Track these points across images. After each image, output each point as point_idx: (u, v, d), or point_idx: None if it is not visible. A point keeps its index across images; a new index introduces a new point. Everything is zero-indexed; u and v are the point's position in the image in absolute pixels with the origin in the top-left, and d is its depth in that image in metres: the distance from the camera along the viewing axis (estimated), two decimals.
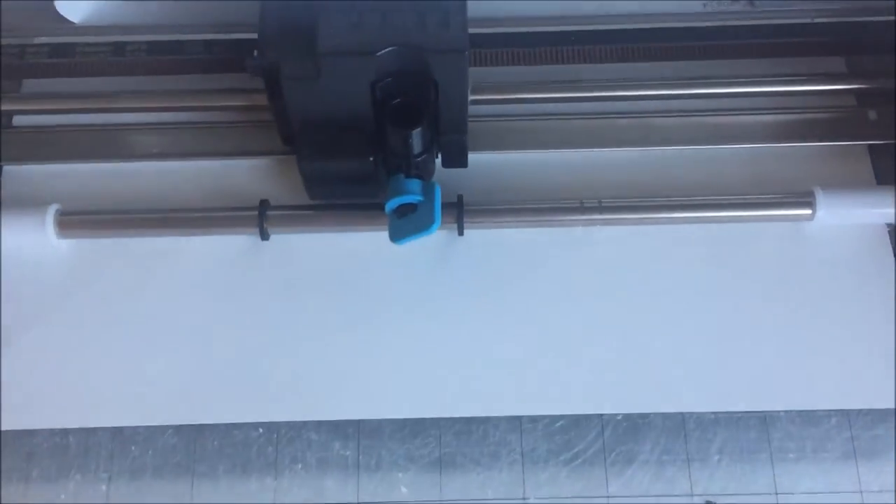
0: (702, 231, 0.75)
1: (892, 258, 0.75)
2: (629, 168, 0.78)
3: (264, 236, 0.74)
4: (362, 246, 0.74)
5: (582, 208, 0.74)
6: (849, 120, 0.80)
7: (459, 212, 0.74)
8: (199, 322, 0.72)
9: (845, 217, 0.75)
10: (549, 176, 0.78)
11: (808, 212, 0.74)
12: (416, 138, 0.67)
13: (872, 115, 0.80)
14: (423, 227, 0.68)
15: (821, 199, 0.74)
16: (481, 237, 0.75)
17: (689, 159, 0.79)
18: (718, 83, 0.80)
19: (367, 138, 0.69)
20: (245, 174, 0.78)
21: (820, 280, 0.74)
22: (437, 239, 0.74)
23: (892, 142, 0.78)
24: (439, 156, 0.74)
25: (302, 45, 0.64)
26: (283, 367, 0.70)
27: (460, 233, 0.74)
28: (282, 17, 0.65)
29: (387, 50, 0.63)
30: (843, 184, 0.76)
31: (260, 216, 0.73)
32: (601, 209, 0.74)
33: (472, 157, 0.76)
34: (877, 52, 0.81)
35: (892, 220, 0.75)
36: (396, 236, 0.69)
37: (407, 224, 0.69)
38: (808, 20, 0.81)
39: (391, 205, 0.69)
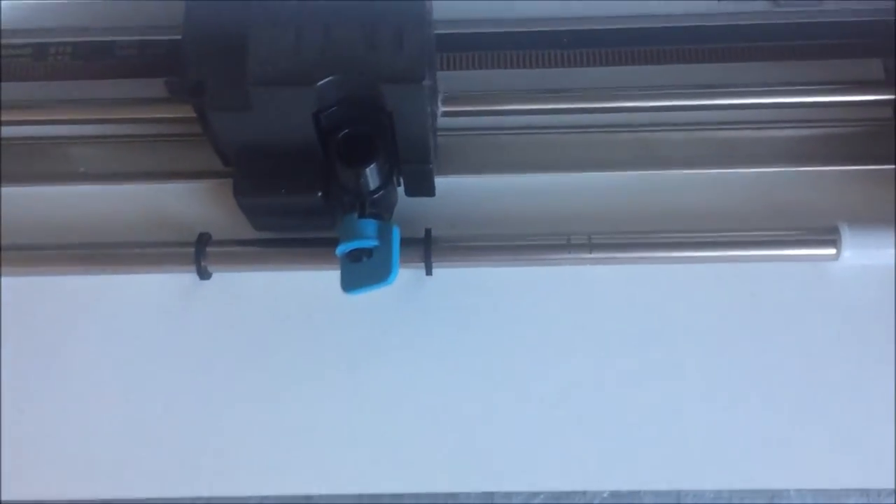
0: (707, 272, 0.65)
1: None
2: (626, 194, 0.68)
3: (203, 275, 0.64)
4: (317, 286, 0.65)
5: (569, 245, 0.64)
6: (884, 136, 0.68)
7: (427, 249, 0.64)
8: (124, 379, 0.63)
9: (876, 257, 0.65)
10: (532, 204, 0.67)
11: (832, 251, 0.64)
12: (370, 175, 0.57)
13: None
14: (378, 277, 0.59)
15: (847, 236, 0.63)
16: (452, 277, 0.66)
17: (696, 184, 0.68)
18: (731, 92, 0.69)
19: (314, 169, 0.59)
20: (185, 198, 0.68)
21: (844, 331, 0.64)
22: (402, 280, 0.65)
23: None
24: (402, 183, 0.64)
25: (229, 71, 0.53)
26: (222, 434, 0.62)
27: (428, 272, 0.64)
28: (207, 32, 0.55)
29: (328, 79, 0.52)
30: (874, 216, 0.66)
31: (197, 253, 0.63)
32: (591, 247, 0.64)
33: (442, 181, 0.66)
34: None
35: None
36: (349, 286, 0.59)
37: (361, 271, 0.60)
38: (839, 18, 0.69)
39: (342, 250, 0.59)
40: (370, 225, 0.59)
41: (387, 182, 0.59)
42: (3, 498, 0.61)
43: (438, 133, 0.67)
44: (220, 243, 0.65)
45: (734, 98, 0.69)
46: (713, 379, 0.63)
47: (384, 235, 0.60)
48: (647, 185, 0.68)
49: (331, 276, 0.61)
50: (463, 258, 0.65)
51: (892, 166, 0.68)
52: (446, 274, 0.65)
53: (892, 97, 0.69)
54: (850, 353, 0.63)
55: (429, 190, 0.65)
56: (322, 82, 0.52)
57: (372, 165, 0.56)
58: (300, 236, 0.65)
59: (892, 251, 0.64)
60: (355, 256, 0.60)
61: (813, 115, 0.70)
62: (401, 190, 0.65)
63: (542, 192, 0.68)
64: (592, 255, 0.64)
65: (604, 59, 0.70)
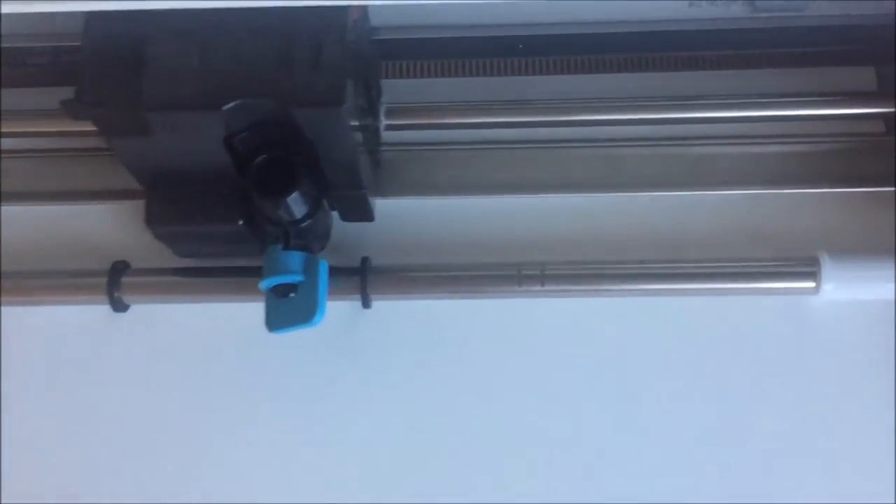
0: (676, 305, 0.59)
1: None
2: (586, 218, 0.62)
3: (118, 307, 0.58)
4: (245, 318, 0.59)
5: (520, 277, 0.58)
6: (874, 153, 0.62)
7: (363, 280, 0.58)
8: (31, 421, 0.57)
9: (859, 291, 0.58)
10: (484, 228, 0.62)
11: (811, 284, 0.58)
12: (293, 204, 0.51)
13: None
14: (302, 317, 0.53)
15: (827, 267, 0.57)
16: (392, 310, 0.60)
17: (664, 207, 0.62)
18: (704, 104, 0.62)
19: (234, 196, 0.53)
20: (103, 221, 0.62)
21: (826, 370, 0.58)
22: (338, 313, 0.59)
23: None
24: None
25: (127, 91, 0.47)
26: (136, 476, 0.56)
27: (365, 305, 0.58)
28: (106, 47, 0.49)
29: (234, 104, 0.46)
30: (860, 244, 0.59)
31: (110, 284, 0.58)
32: (543, 278, 0.58)
33: (385, 204, 0.60)
34: None
35: None
36: (274, 324, 0.54)
37: (287, 308, 0.54)
38: (825, 23, 0.62)
39: (265, 285, 0.53)
40: (294, 258, 0.53)
41: (314, 210, 0.53)
42: None
43: (383, 148, 0.61)
44: (138, 272, 0.59)
45: (708, 111, 0.62)
46: (683, 424, 0.57)
47: (310, 270, 0.54)
48: (609, 209, 0.62)
49: (259, 308, 0.55)
50: (403, 290, 0.59)
51: (889, 188, 0.61)
52: (386, 307, 0.59)
53: (886, 110, 0.63)
54: (832, 396, 0.57)
55: (366, 215, 0.59)
56: (228, 107, 0.46)
57: (294, 194, 0.50)
58: (226, 265, 0.59)
59: (884, 284, 0.58)
60: (281, 291, 0.54)
61: (796, 129, 0.63)
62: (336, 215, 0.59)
63: (495, 216, 0.62)
64: (545, 288, 0.58)
65: (564, 67, 0.63)
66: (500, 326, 0.60)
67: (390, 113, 0.61)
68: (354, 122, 0.51)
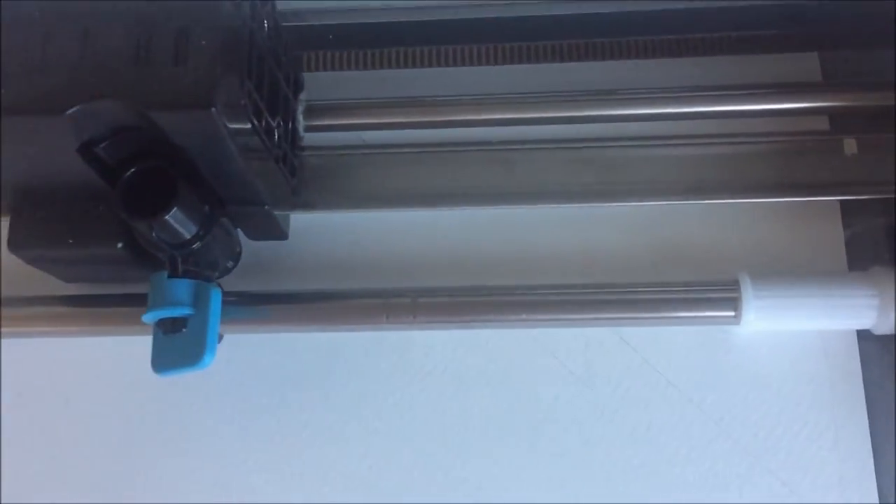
0: (581, 336, 0.51)
1: (861, 379, 0.50)
2: (477, 232, 0.54)
3: None
4: (131, 353, 0.52)
5: (386, 306, 0.50)
6: (816, 155, 0.52)
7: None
8: None
9: (789, 321, 0.49)
10: (418, 244, 0.54)
11: (731, 313, 0.49)
12: (175, 225, 0.44)
13: (851, 146, 0.52)
14: (189, 358, 0.46)
15: (750, 294, 0.48)
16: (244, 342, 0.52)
17: (567, 220, 0.53)
18: (616, 99, 0.53)
19: (111, 214, 0.46)
20: None
21: (752, 411, 0.50)
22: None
23: (878, 196, 0.51)
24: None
25: None
26: None
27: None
28: None
29: (77, 108, 0.39)
30: (798, 265, 0.51)
31: None
32: (415, 308, 0.50)
33: (303, 219, 0.54)
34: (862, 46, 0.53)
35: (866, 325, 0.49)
36: (159, 365, 0.46)
37: (175, 346, 0.46)
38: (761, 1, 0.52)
39: (149, 318, 0.46)
40: (181, 287, 0.46)
41: (206, 230, 0.46)
42: None
43: (306, 153, 0.53)
44: (9, 302, 0.51)
45: (618, 107, 0.54)
46: (580, 476, 0.49)
47: (201, 301, 0.46)
48: (503, 223, 0.53)
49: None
50: (252, 324, 0.51)
51: (821, 198, 0.52)
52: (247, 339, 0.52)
53: (832, 104, 0.53)
54: (760, 444, 0.49)
55: (276, 233, 0.52)
56: (71, 111, 0.39)
57: (172, 213, 0.43)
58: (115, 293, 0.52)
59: (808, 315, 0.49)
60: (169, 326, 0.46)
61: (723, 128, 0.54)
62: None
63: (427, 229, 0.54)
64: (416, 321, 0.50)
65: (449, 58, 0.54)
66: (379, 362, 0.52)
67: (310, 112, 0.53)
68: (240, 125, 0.43)
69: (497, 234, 0.53)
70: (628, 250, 0.53)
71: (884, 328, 0.48)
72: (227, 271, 0.52)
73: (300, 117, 0.52)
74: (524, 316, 0.50)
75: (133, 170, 0.43)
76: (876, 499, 0.48)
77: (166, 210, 0.43)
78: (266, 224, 0.51)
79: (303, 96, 0.53)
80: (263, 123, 0.45)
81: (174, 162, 0.44)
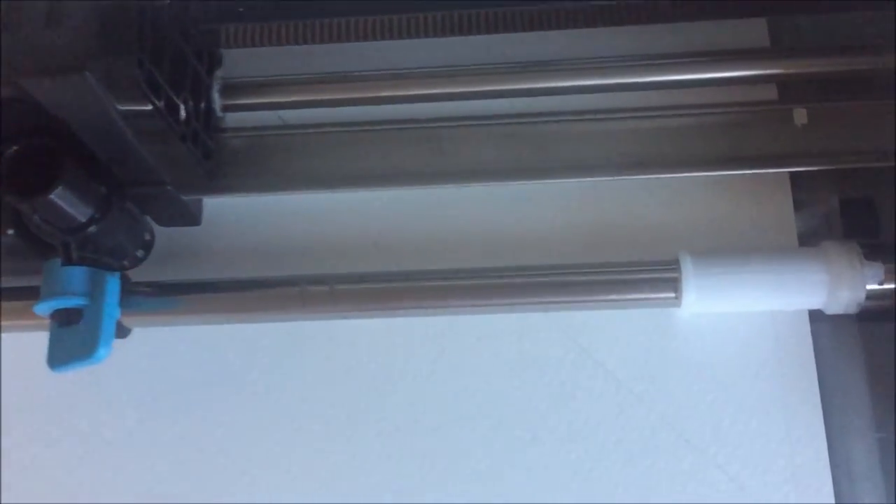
0: (507, 325, 0.48)
1: (814, 365, 0.46)
2: (406, 212, 0.50)
3: None
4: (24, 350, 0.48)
5: (303, 294, 0.46)
6: (764, 126, 0.49)
7: None
8: None
9: (731, 301, 0.46)
10: (338, 228, 0.51)
11: (671, 295, 0.45)
12: (62, 206, 0.41)
13: (801, 116, 0.48)
14: (82, 351, 0.43)
15: (690, 273, 0.45)
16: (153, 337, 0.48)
17: (500, 199, 0.50)
18: (549, 70, 0.50)
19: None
20: None
21: (697, 402, 0.47)
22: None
23: (830, 167, 0.48)
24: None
25: None
26: None
27: (120, 335, 0.47)
28: None
29: None
30: (742, 241, 0.47)
31: None
32: (334, 296, 0.46)
33: (218, 204, 0.50)
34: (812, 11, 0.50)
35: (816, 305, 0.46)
36: (55, 359, 0.43)
37: (70, 340, 0.43)
38: None
39: (41, 309, 0.43)
40: (75, 276, 0.43)
41: (102, 212, 0.43)
42: None
43: (231, 133, 0.50)
44: None
45: (555, 79, 0.50)
46: (515, 472, 0.46)
47: (97, 290, 0.43)
48: (432, 202, 0.50)
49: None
50: (161, 315, 0.48)
51: (770, 170, 0.48)
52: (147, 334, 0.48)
53: (780, 71, 0.50)
54: (705, 432, 0.45)
55: (186, 217, 0.49)
56: None
57: (57, 191, 0.40)
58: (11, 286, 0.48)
59: (753, 296, 0.45)
60: (64, 318, 0.43)
61: (665, 100, 0.50)
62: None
63: (347, 213, 0.51)
64: (332, 309, 0.46)
65: (376, 31, 0.51)
66: (294, 352, 0.48)
67: (228, 91, 0.49)
68: (132, 100, 0.39)
69: (424, 216, 0.50)
70: (563, 230, 0.49)
71: (836, 307, 0.45)
72: (138, 261, 0.48)
73: (215, 95, 0.49)
74: (451, 302, 0.47)
75: (15, 147, 0.40)
76: (831, 497, 0.44)
77: (49, 189, 0.40)
78: (174, 208, 0.48)
79: (220, 73, 0.50)
80: (163, 100, 0.42)
81: (64, 140, 0.40)
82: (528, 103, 0.51)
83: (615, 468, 0.46)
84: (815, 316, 0.47)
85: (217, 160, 0.49)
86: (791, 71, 0.50)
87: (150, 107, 0.40)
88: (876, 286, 0.45)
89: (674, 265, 0.45)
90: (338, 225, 0.50)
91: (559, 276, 0.46)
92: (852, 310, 0.45)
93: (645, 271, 0.46)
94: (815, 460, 0.45)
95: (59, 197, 0.40)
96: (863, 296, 0.45)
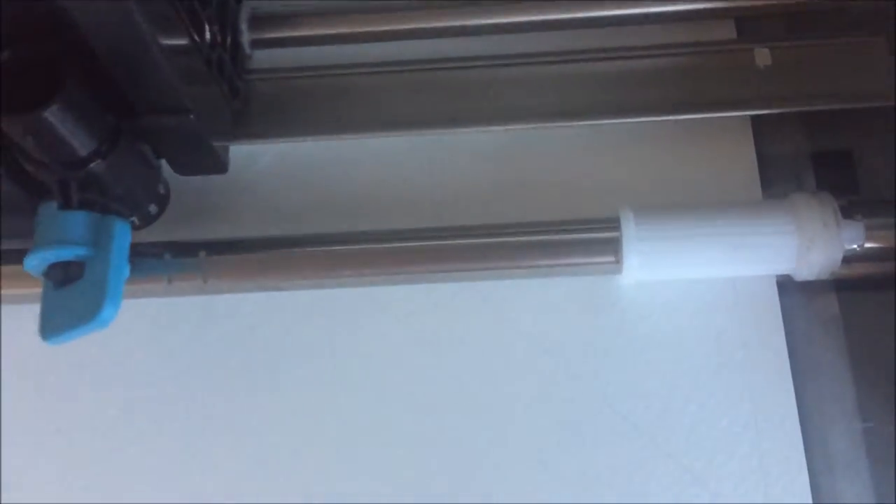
0: (423, 297, 0.41)
1: (784, 340, 0.39)
2: (306, 169, 0.43)
3: None
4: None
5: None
6: (721, 68, 0.42)
7: None
8: None
9: (681, 266, 0.38)
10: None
11: (610, 259, 0.38)
12: (57, 130, 0.33)
13: (763, 57, 0.41)
14: (85, 313, 0.35)
15: (630, 234, 0.37)
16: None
17: (414, 152, 0.43)
18: (473, 8, 0.43)
19: None
20: None
21: (644, 382, 0.39)
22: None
23: (796, 110, 0.41)
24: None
25: None
26: None
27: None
28: None
29: None
30: (698, 196, 0.40)
31: None
32: (204, 267, 0.39)
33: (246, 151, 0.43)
34: None
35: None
36: (49, 328, 0.35)
37: (66, 303, 0.35)
38: None
39: (33, 264, 0.36)
40: (76, 221, 0.35)
41: (108, 145, 0.35)
42: None
43: (252, 75, 0.43)
44: None
45: (480, 16, 0.43)
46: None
47: (102, 239, 0.36)
48: (336, 157, 0.43)
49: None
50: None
51: (730, 113, 0.41)
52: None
53: (738, 3, 0.43)
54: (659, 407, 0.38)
55: (210, 162, 0.40)
56: None
57: (53, 108, 0.32)
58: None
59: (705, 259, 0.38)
60: (60, 275, 0.36)
61: (607, 40, 0.43)
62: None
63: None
64: (207, 286, 0.39)
65: None
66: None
67: (256, 23, 0.43)
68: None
69: (326, 172, 0.43)
70: (486, 187, 0.42)
71: (807, 272, 0.38)
72: (150, 218, 0.40)
73: (243, 26, 0.43)
74: (352, 271, 0.39)
75: (9, 52, 0.33)
76: (808, 494, 0.36)
77: (45, 105, 0.32)
78: (196, 148, 0.39)
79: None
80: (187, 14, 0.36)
81: (70, 48, 0.33)
82: (447, 46, 0.44)
83: (552, 458, 0.38)
84: (785, 286, 0.40)
85: (245, 103, 0.42)
86: (750, 3, 0.43)
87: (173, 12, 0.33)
88: (855, 247, 0.37)
89: (613, 223, 0.38)
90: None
91: (480, 237, 0.39)
92: (826, 275, 0.38)
93: (578, 230, 0.39)
94: (788, 452, 0.37)
95: (56, 116, 0.33)
96: (839, 258, 0.37)
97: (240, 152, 0.43)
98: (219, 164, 0.40)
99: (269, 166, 0.44)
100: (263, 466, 0.39)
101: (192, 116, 0.37)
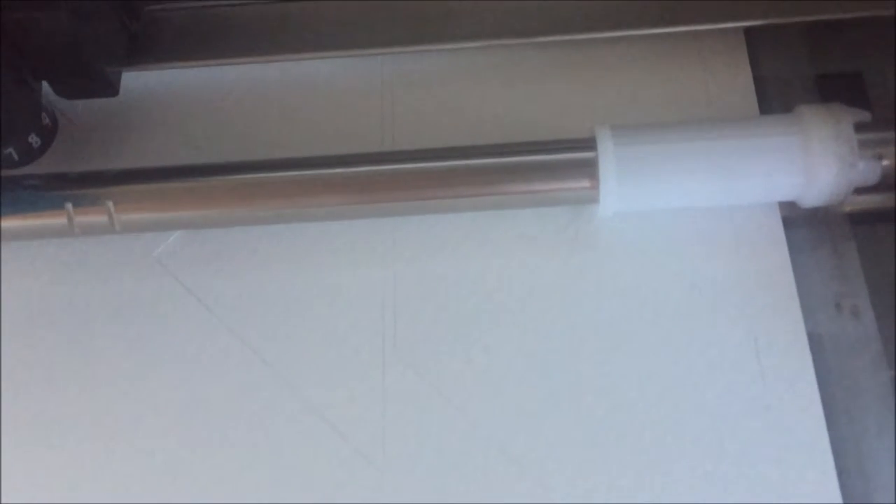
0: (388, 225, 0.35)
1: (792, 280, 0.33)
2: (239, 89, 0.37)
3: None
4: None
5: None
6: None
7: None
8: None
9: (669, 193, 0.33)
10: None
11: (585, 184, 0.32)
12: None
13: None
14: None
15: (608, 153, 0.31)
16: None
17: (363, 73, 0.37)
18: None
19: None
20: None
21: (626, 329, 0.33)
22: None
23: (795, 20, 0.35)
24: None
25: None
26: None
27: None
28: None
29: None
30: (688, 106, 0.34)
31: None
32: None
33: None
34: None
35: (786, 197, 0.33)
36: None
37: None
38: None
39: None
40: None
41: None
42: None
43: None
44: None
45: None
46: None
47: None
48: (276, 78, 0.38)
49: None
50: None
51: (720, 25, 0.36)
52: None
53: None
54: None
55: (96, 84, 0.34)
56: None
57: None
58: None
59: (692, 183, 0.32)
60: None
61: None
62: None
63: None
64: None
65: None
66: None
67: None
68: None
69: (264, 95, 0.37)
70: (438, 111, 0.36)
71: (814, 195, 0.32)
72: (31, 152, 0.35)
73: None
74: (283, 202, 0.33)
75: None
76: (829, 454, 0.30)
77: None
78: (76, 63, 0.33)
79: None
80: None
81: None
82: None
83: (524, 411, 0.31)
84: (792, 220, 0.34)
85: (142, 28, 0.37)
86: None
87: None
88: (872, 163, 0.32)
89: (588, 143, 0.32)
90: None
91: (427, 161, 0.33)
92: (840, 197, 0.32)
93: (548, 151, 0.33)
94: (803, 403, 0.31)
95: None
96: (855, 177, 0.31)
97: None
98: (108, 84, 0.34)
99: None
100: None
101: (63, 14, 0.31)
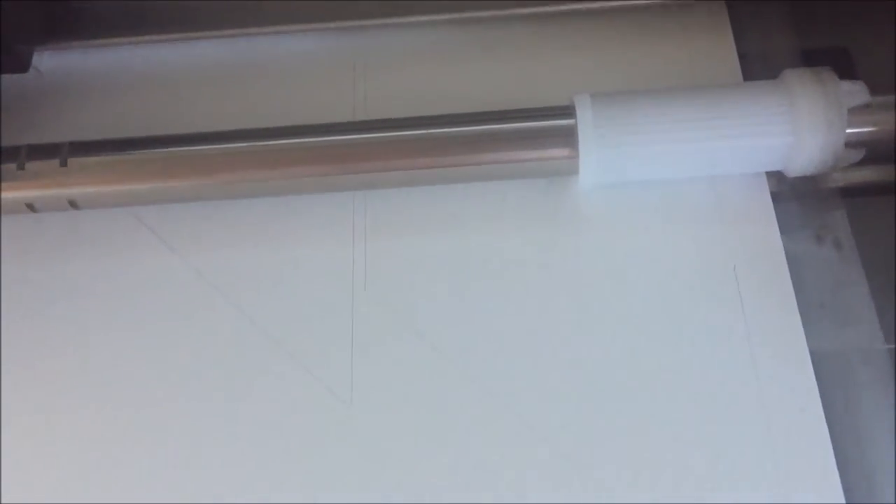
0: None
1: (782, 251, 0.31)
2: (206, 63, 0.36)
3: None
4: None
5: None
6: None
7: None
8: None
9: (652, 162, 0.31)
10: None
11: (564, 152, 0.31)
12: None
13: None
14: None
15: (587, 121, 0.30)
16: None
17: (335, 52, 0.36)
18: None
19: None
20: None
21: (604, 306, 0.31)
22: None
23: None
24: None
25: None
26: None
27: None
28: None
29: None
30: (671, 81, 0.33)
31: None
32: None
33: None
34: None
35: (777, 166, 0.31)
36: None
37: None
38: None
39: None
40: None
41: None
42: None
43: None
44: None
45: None
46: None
47: None
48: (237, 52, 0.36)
49: None
50: None
51: None
52: None
53: None
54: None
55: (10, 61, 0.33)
56: None
57: None
58: None
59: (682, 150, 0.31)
60: None
61: None
62: None
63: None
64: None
65: None
66: None
67: None
68: None
69: (220, 74, 0.36)
70: (411, 88, 0.35)
71: (802, 162, 0.30)
72: None
73: None
74: (263, 173, 0.32)
75: None
76: (825, 429, 0.28)
77: None
78: None
79: None
80: None
81: None
82: None
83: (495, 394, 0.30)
84: (780, 194, 0.33)
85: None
86: None
87: None
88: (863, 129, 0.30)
89: (567, 111, 0.31)
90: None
91: (401, 129, 0.32)
92: (829, 165, 0.31)
93: (525, 118, 0.31)
94: (797, 381, 0.29)
95: None
96: (842, 139, 0.30)
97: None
98: (16, 62, 0.33)
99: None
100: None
101: None
